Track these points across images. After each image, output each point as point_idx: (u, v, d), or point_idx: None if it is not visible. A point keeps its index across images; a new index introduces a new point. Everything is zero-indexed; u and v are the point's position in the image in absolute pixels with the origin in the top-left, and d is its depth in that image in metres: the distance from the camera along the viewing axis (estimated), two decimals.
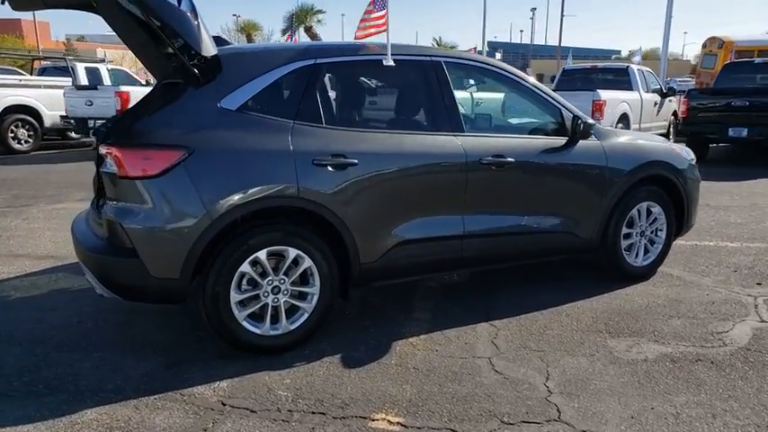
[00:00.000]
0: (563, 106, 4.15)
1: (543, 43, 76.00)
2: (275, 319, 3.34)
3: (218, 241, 3.11)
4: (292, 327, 3.37)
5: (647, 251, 4.59)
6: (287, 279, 3.33)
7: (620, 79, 11.99)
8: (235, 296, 3.20)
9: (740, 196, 8.02)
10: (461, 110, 3.83)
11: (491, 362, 3.29)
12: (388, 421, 2.72)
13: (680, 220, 4.68)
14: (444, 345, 3.50)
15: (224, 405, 2.87)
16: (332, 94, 3.58)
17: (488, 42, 74.91)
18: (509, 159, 3.80)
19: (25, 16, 41.77)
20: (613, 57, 64.37)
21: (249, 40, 29.24)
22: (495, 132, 4.05)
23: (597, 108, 10.03)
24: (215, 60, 3.24)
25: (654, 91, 12.41)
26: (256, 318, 3.31)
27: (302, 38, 30.16)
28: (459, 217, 3.74)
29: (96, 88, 12.03)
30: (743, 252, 5.36)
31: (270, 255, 3.25)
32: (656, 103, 12.36)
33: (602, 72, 12.81)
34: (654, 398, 2.92)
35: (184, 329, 3.72)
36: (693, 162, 4.75)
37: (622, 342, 3.54)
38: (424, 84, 3.70)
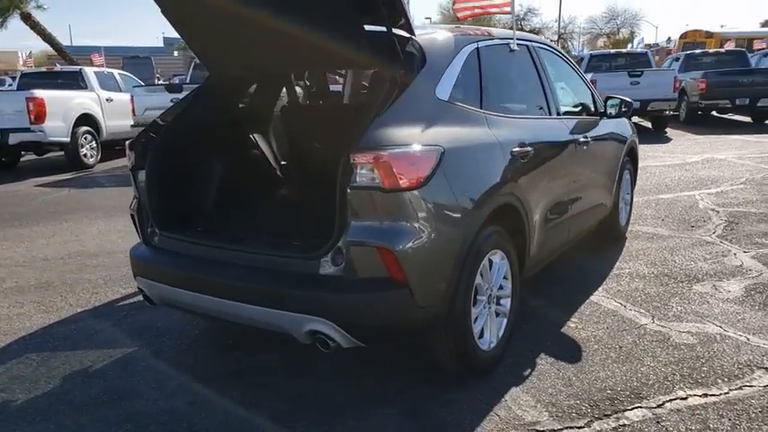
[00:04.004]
0: (589, 86, 4.52)
1: None
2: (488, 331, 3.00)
3: (469, 253, 2.66)
4: (500, 335, 3.08)
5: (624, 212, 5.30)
6: (494, 286, 3.02)
7: None
8: (473, 312, 2.79)
9: None
10: None
11: (663, 326, 3.50)
12: (696, 395, 2.76)
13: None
14: (601, 322, 3.58)
15: None
16: (491, 80, 3.29)
17: (165, 38, 71.43)
18: (588, 139, 4.02)
19: None
20: None
21: None
22: (571, 114, 4.20)
23: None
24: (417, 44, 2.73)
25: None
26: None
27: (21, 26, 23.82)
28: (569, 198, 3.83)
29: None
30: (641, 206, 6.49)
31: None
32: None
33: None
34: None
35: (321, 373, 3.05)
36: None
37: (703, 286, 4.10)
38: (533, 68, 3.67)
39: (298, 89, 3.98)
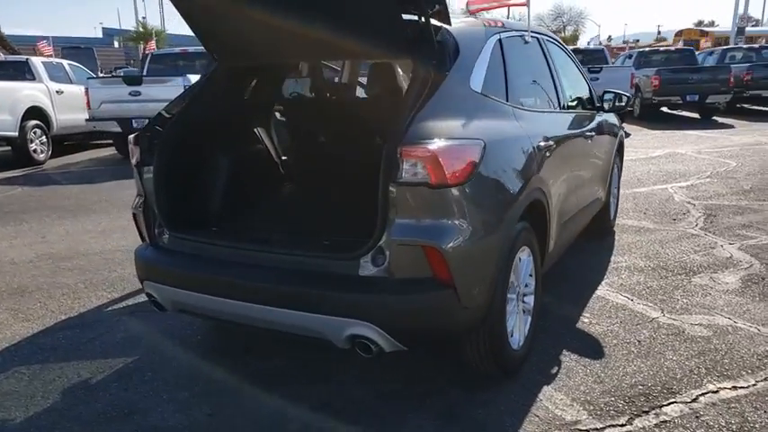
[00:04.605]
0: (587, 79, 4.52)
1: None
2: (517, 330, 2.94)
3: (506, 250, 2.58)
4: (526, 333, 3.02)
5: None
6: (522, 283, 2.95)
7: None
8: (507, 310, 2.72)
9: None
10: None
11: (674, 319, 3.51)
12: (726, 388, 2.77)
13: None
14: (613, 317, 3.57)
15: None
16: (513, 73, 3.21)
17: (104, 29, 68.61)
18: (593, 133, 4.01)
19: None
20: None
21: None
22: (574, 108, 4.17)
23: None
24: (451, 34, 2.63)
25: None
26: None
27: None
28: (577, 192, 3.80)
29: None
30: (620, 199, 6.53)
31: None
32: None
33: None
34: None
35: (345, 378, 2.93)
36: None
37: (701, 279, 4.16)
38: (545, 60, 3.63)
39: (305, 80, 3.81)
